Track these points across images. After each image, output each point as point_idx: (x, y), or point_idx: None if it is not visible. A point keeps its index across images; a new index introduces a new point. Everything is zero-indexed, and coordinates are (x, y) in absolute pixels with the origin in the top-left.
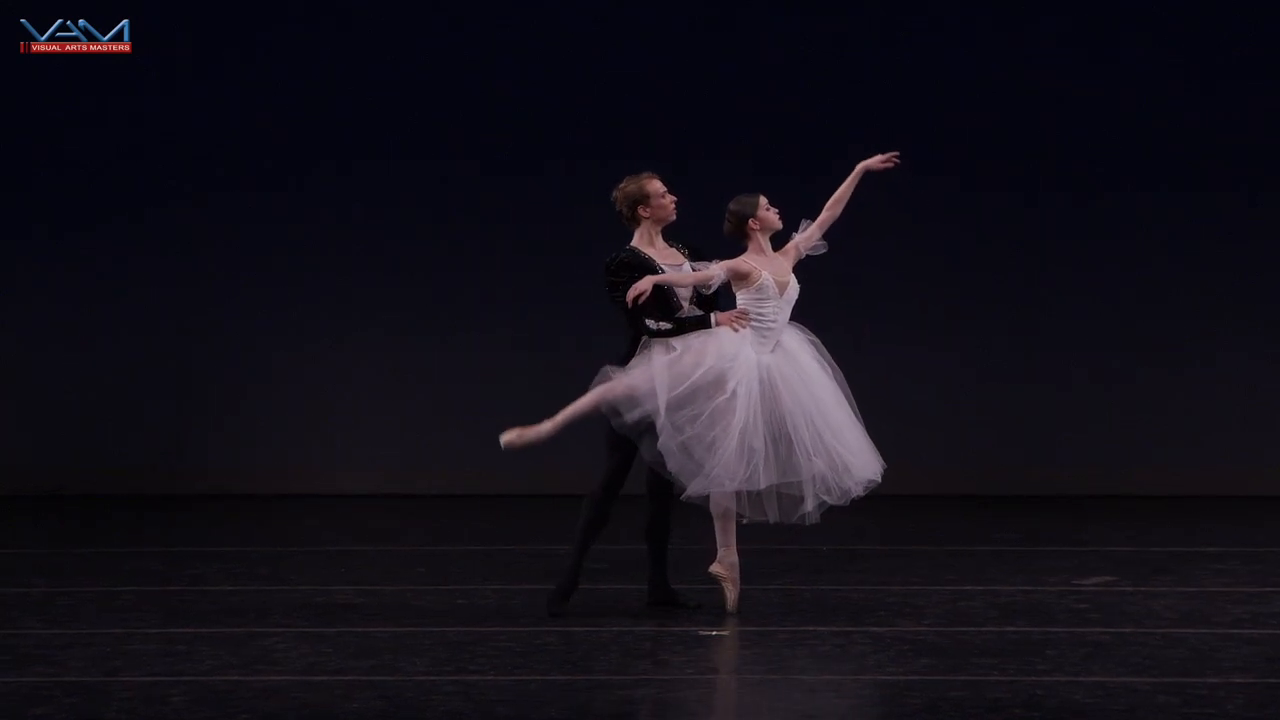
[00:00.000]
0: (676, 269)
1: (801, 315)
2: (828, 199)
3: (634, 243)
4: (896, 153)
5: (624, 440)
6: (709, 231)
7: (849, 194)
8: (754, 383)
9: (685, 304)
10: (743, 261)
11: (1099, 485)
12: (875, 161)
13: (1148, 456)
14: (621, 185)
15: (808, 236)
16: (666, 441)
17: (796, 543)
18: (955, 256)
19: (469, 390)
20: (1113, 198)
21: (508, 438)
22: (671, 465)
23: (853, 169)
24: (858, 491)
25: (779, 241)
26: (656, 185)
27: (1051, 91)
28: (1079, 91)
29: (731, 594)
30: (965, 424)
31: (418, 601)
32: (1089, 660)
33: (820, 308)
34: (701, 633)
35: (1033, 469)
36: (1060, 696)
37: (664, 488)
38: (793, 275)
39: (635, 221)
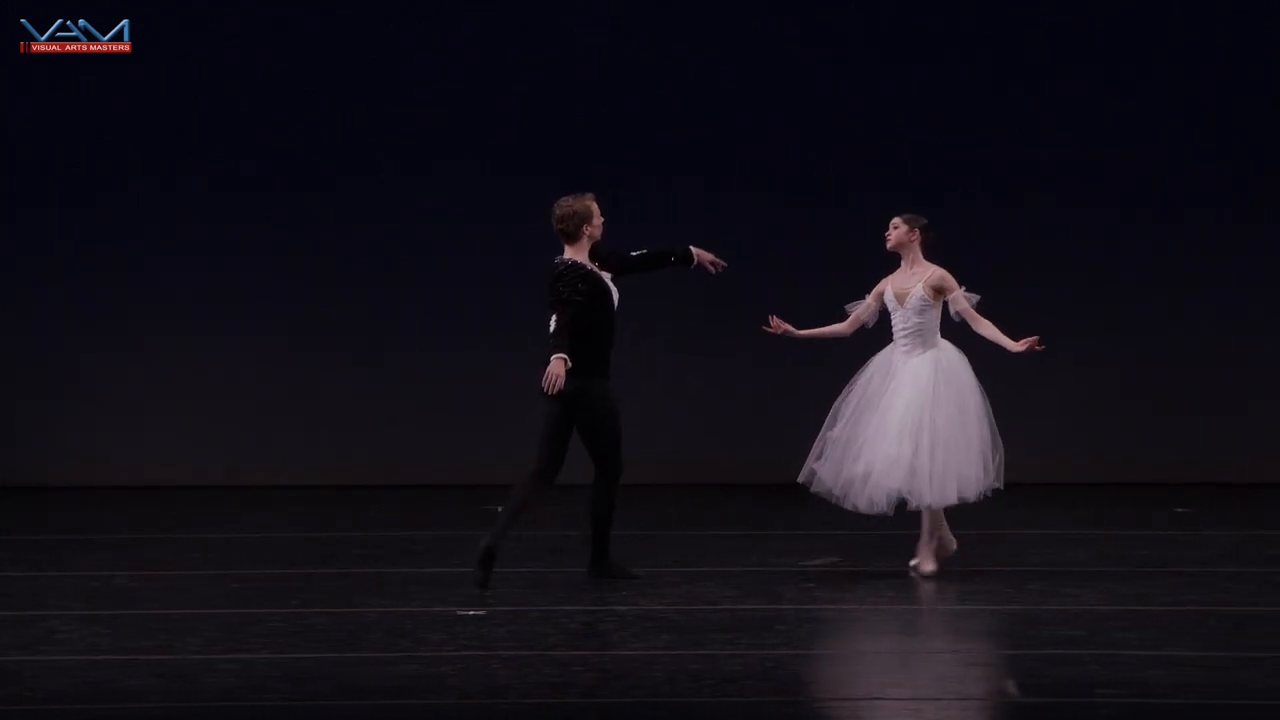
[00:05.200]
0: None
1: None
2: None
3: (574, 257)
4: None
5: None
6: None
7: (992, 341)
8: (868, 381)
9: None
10: (880, 283)
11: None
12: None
13: None
14: (568, 204)
15: (963, 306)
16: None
17: (547, 529)
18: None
19: (282, 385)
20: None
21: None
22: None
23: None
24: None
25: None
26: (597, 206)
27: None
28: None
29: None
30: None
31: (195, 586)
32: (815, 635)
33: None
34: (459, 613)
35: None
36: (789, 668)
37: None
38: (918, 288)
39: (575, 239)
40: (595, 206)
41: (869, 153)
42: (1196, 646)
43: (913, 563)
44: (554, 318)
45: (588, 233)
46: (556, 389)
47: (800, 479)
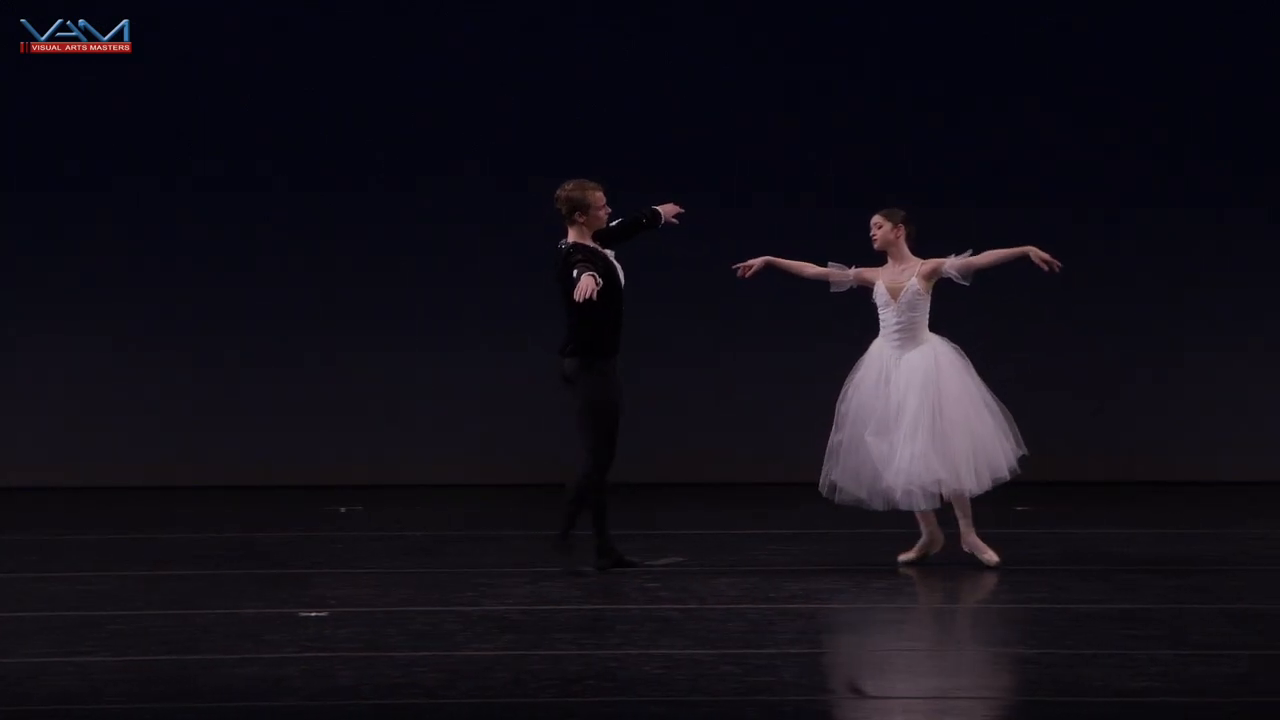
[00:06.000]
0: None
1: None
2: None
3: (573, 239)
4: (1059, 265)
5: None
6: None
7: (1002, 263)
8: (866, 388)
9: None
10: (870, 270)
11: (685, 473)
12: (1037, 256)
13: (717, 445)
14: (568, 188)
15: (957, 263)
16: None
17: (387, 530)
18: None
19: (117, 389)
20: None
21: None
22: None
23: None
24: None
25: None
26: (599, 197)
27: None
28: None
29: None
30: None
31: (33, 588)
32: (658, 634)
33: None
34: (301, 614)
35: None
36: (633, 669)
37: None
38: (912, 282)
39: (572, 223)
40: (596, 197)
41: (869, 153)
42: (1037, 644)
43: (987, 558)
44: (575, 272)
45: (582, 220)
46: (591, 292)
47: (821, 490)
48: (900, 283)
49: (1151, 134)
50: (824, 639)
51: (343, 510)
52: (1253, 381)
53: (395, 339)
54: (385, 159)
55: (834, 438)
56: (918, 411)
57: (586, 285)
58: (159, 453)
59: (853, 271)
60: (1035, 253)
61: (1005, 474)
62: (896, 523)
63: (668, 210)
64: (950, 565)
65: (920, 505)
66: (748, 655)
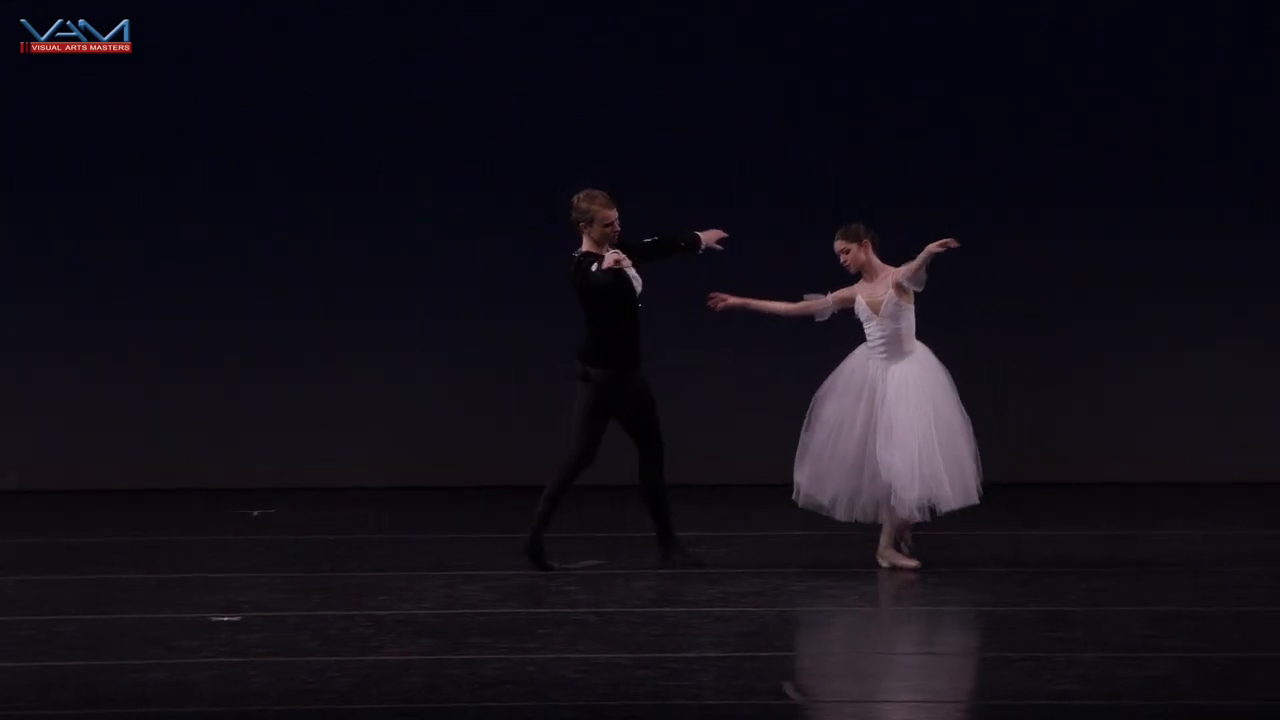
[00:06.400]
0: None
1: None
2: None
3: (586, 248)
4: (955, 243)
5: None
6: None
7: (927, 263)
8: (847, 394)
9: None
10: (847, 289)
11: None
12: (936, 248)
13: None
14: (579, 198)
15: (903, 272)
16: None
17: (302, 533)
18: None
19: (117, 389)
20: None
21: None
22: None
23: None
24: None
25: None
26: (607, 214)
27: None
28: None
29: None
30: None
31: None
32: (575, 638)
33: None
34: (214, 619)
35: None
36: (550, 673)
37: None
38: (890, 294)
39: (581, 232)
40: (603, 213)
41: (869, 153)
42: (957, 647)
43: (907, 564)
44: (594, 266)
45: (587, 232)
46: (619, 262)
47: (795, 498)
48: (878, 296)
49: (1151, 134)
50: (742, 642)
51: (255, 514)
52: (1252, 381)
53: (395, 339)
54: (385, 159)
55: (803, 438)
56: (927, 429)
57: (612, 256)
58: (158, 453)
59: (830, 297)
60: (931, 249)
61: (980, 491)
62: (816, 524)
63: (709, 236)
64: (874, 568)
65: (919, 518)
66: (665, 659)
